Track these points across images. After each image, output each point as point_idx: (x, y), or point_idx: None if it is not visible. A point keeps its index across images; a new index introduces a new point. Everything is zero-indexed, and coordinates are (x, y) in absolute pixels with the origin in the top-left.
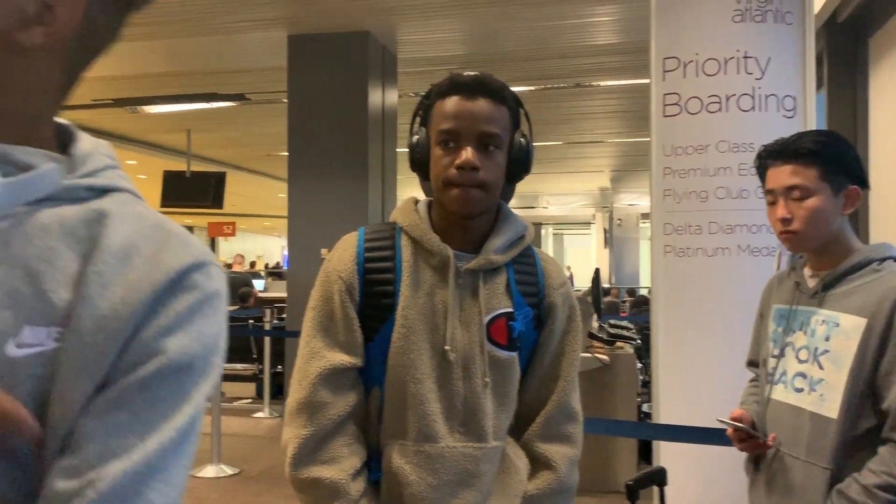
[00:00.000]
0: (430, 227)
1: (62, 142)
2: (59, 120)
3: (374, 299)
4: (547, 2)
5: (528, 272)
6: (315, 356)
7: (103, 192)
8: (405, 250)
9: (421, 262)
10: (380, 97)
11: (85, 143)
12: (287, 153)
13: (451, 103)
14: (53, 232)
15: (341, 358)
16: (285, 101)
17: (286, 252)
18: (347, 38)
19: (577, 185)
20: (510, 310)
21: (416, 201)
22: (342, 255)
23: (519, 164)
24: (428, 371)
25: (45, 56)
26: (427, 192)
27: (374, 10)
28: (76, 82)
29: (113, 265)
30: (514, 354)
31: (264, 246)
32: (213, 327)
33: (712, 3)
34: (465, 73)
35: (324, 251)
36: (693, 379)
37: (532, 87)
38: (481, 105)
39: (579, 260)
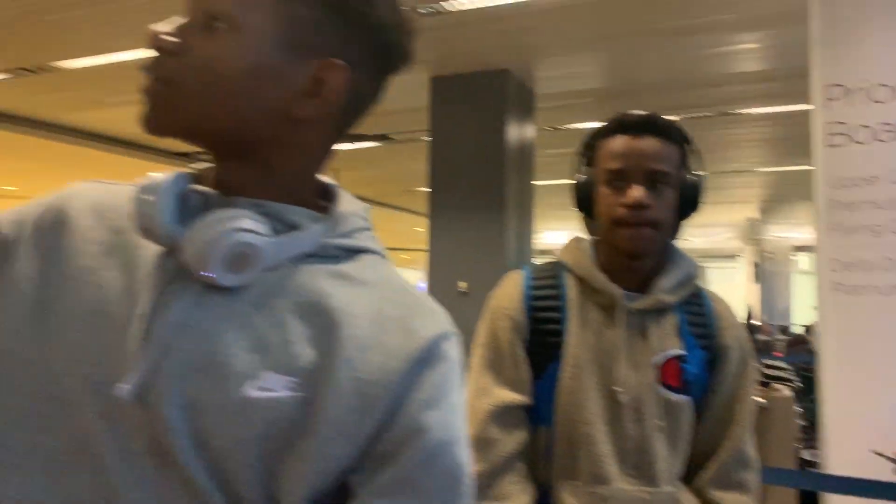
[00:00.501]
0: (597, 267)
1: (322, 197)
2: (322, 178)
3: (541, 337)
4: (689, 31)
5: (698, 313)
6: (484, 393)
7: (355, 252)
8: (571, 289)
9: (588, 302)
10: (517, 132)
11: (344, 204)
12: (427, 189)
13: (619, 142)
14: (308, 288)
15: (510, 395)
16: (425, 139)
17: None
18: (487, 76)
19: (721, 216)
20: (682, 352)
21: (581, 240)
22: (509, 293)
23: (689, 202)
24: (598, 412)
25: (315, 124)
26: (591, 231)
27: (513, 49)
28: (339, 142)
29: (367, 329)
30: (688, 398)
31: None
32: (462, 397)
33: (883, 26)
34: (631, 112)
35: (461, 284)
36: (866, 426)
37: (674, 117)
38: (649, 143)
39: (724, 295)
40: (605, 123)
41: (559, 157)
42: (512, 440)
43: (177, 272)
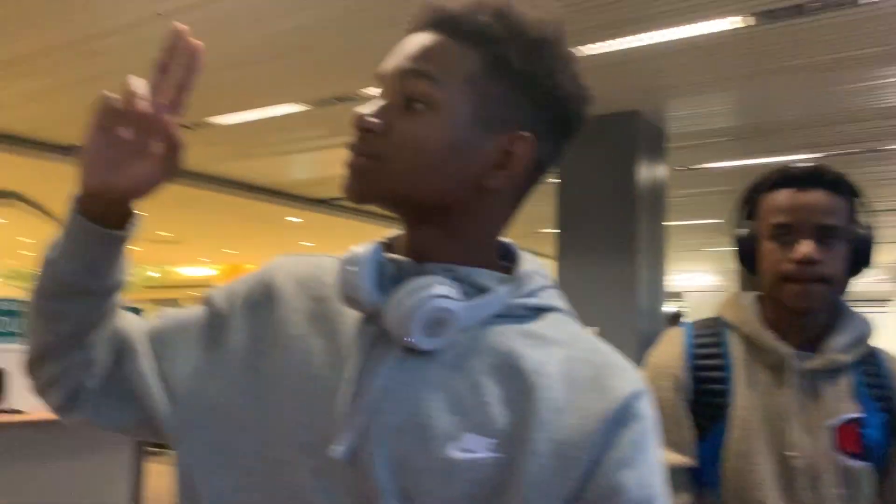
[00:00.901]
0: (763, 324)
1: (503, 257)
2: (502, 239)
3: (704, 397)
4: (831, 66)
5: (874, 373)
6: None
7: (542, 311)
8: (735, 347)
9: (755, 361)
10: (648, 173)
11: (527, 264)
12: (554, 231)
13: (784, 196)
14: (500, 350)
15: (674, 457)
16: (553, 181)
17: None
18: (616, 118)
19: None
20: (860, 415)
21: (742, 295)
22: (671, 351)
23: (861, 257)
24: (770, 477)
25: (501, 193)
26: (753, 286)
27: (643, 91)
28: (520, 206)
29: (561, 390)
30: (869, 465)
31: None
32: (659, 456)
33: None
34: (796, 165)
35: (592, 329)
36: None
37: (815, 155)
38: (817, 196)
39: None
40: (766, 176)
41: (693, 198)
42: (676, 503)
43: (378, 337)
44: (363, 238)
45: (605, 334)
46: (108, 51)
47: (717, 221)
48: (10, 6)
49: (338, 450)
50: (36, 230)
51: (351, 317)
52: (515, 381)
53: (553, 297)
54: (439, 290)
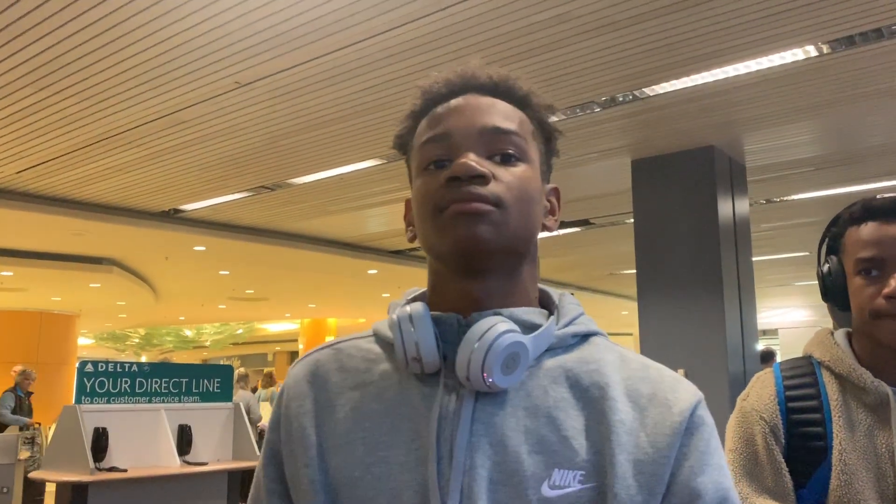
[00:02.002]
0: (857, 362)
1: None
2: None
3: (801, 441)
4: None
5: None
6: (744, 503)
7: (585, 337)
8: (830, 387)
9: (852, 401)
10: (729, 208)
11: (559, 296)
12: (633, 271)
13: (869, 230)
14: (561, 381)
15: None
16: (628, 221)
17: None
18: (692, 154)
19: None
20: None
21: (832, 332)
22: (762, 395)
23: None
24: None
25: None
26: (841, 322)
27: (719, 126)
28: None
29: (630, 412)
30: None
31: None
32: (724, 459)
33: None
34: (879, 197)
35: (680, 371)
36: None
37: None
38: None
39: None
40: (849, 209)
41: (778, 231)
42: None
43: (445, 393)
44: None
45: (692, 375)
46: (192, 120)
47: (805, 254)
48: (102, 87)
49: None
50: (129, 294)
51: (404, 386)
52: (586, 409)
53: (591, 323)
54: (508, 326)
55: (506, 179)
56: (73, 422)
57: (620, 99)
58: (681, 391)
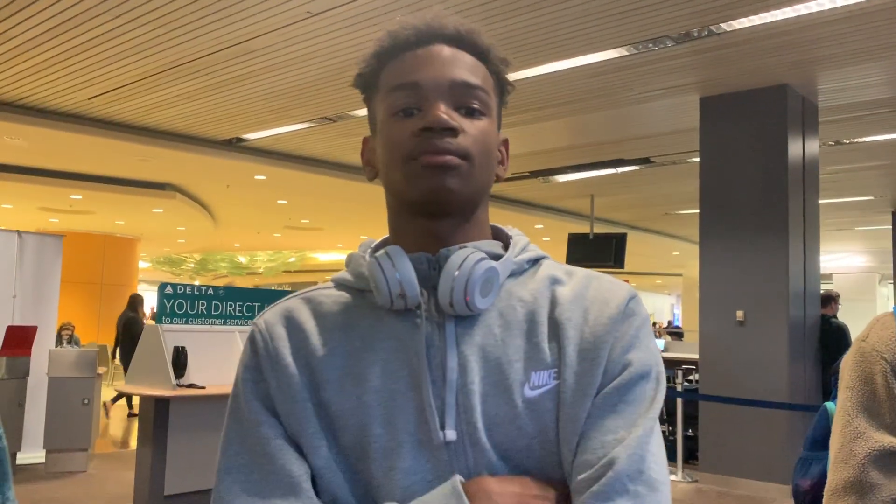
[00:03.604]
0: None
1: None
2: None
3: None
4: None
5: None
6: (860, 437)
7: (535, 261)
8: None
9: None
10: (799, 149)
11: (508, 229)
12: (691, 212)
13: None
14: (525, 297)
15: (890, 440)
16: (690, 160)
17: (677, 310)
18: (764, 93)
19: None
20: None
21: None
22: (882, 335)
23: None
24: None
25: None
26: None
27: (792, 65)
28: None
29: (578, 312)
30: None
31: (654, 304)
32: (653, 342)
33: None
34: None
35: (738, 313)
36: None
37: None
38: None
39: None
40: None
41: (845, 174)
42: (893, 485)
43: (428, 322)
44: None
45: (752, 318)
46: (261, 50)
47: (870, 198)
48: (175, 15)
49: (448, 433)
50: (189, 219)
51: (383, 322)
52: (547, 317)
53: (537, 249)
54: (480, 255)
55: (472, 133)
56: (155, 340)
57: (695, 34)
58: (617, 290)
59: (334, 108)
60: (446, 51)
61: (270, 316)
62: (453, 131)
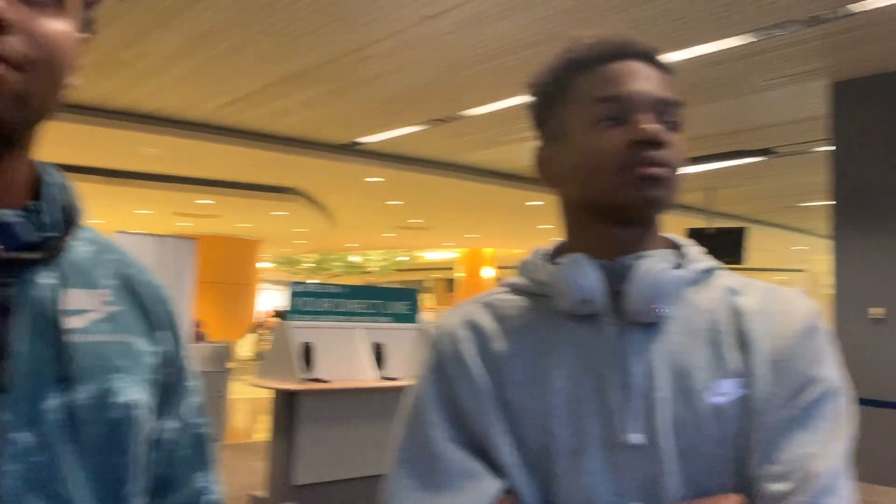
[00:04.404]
0: None
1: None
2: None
3: None
4: None
5: None
6: None
7: (709, 271)
8: None
9: None
10: None
11: (678, 239)
12: (817, 204)
13: None
14: (706, 306)
15: None
16: (816, 150)
17: None
18: None
19: None
20: None
21: None
22: None
23: None
24: None
25: None
26: None
27: None
28: None
29: (763, 324)
30: None
31: None
32: (837, 357)
33: None
34: None
35: (875, 310)
36: None
37: None
38: None
39: None
40: None
41: None
42: None
43: (612, 328)
44: None
45: (894, 315)
46: (378, 55)
47: None
48: (298, 25)
49: (635, 437)
50: (308, 221)
51: (564, 327)
52: (730, 327)
53: (711, 259)
54: (666, 264)
55: (675, 146)
56: (285, 336)
57: (826, 16)
58: (801, 303)
59: (446, 109)
60: (645, 67)
61: (452, 319)
62: (665, 144)
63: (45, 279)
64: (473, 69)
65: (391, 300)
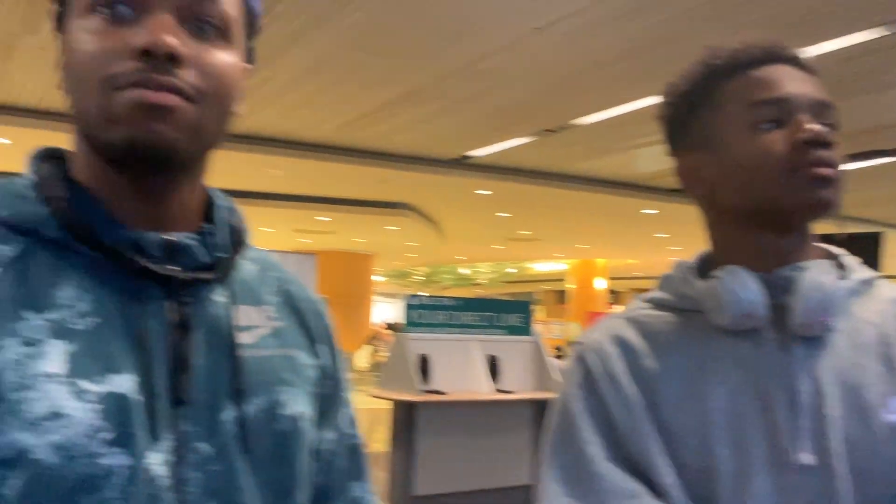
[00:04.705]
0: None
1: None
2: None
3: None
4: None
5: None
6: None
7: (869, 281)
8: None
9: None
10: None
11: (831, 248)
12: None
13: None
14: (872, 319)
15: None
16: None
17: None
18: None
19: None
20: None
21: None
22: None
23: None
24: None
25: None
26: None
27: None
28: None
29: None
30: None
31: None
32: None
33: None
34: None
35: None
36: None
37: None
38: None
39: None
40: None
41: None
42: None
43: (774, 343)
44: None
45: None
46: (488, 70)
47: None
48: (411, 45)
49: (805, 457)
50: (419, 235)
51: (719, 342)
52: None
53: (869, 269)
54: (831, 276)
55: (839, 148)
56: (402, 348)
57: None
58: None
59: (556, 119)
60: (795, 70)
61: (598, 336)
62: (832, 145)
63: (218, 297)
64: (585, 77)
65: (505, 312)
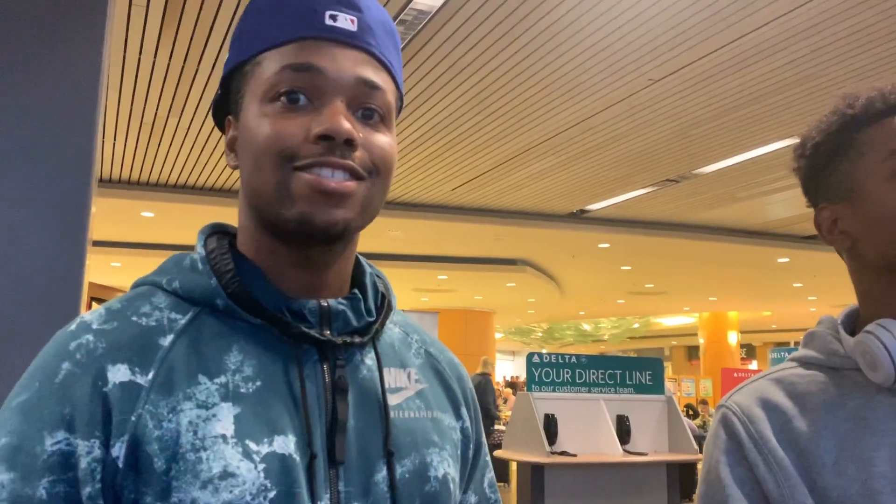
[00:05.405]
0: None
1: None
2: None
3: None
4: None
5: None
6: None
7: None
8: None
9: None
10: None
11: None
12: None
13: None
14: None
15: None
16: None
17: None
18: None
19: None
20: None
21: None
22: None
23: None
24: None
25: None
26: None
27: None
28: None
29: None
30: None
31: None
32: None
33: None
34: None
35: None
36: None
37: None
38: None
39: None
40: None
41: None
42: None
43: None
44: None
45: None
46: (604, 123)
47: None
48: (526, 104)
49: None
50: (538, 291)
51: (875, 402)
52: None
53: None
54: None
55: None
56: (527, 407)
57: None
58: None
59: (677, 168)
60: None
61: (742, 398)
62: None
63: (368, 360)
64: (704, 126)
65: (633, 370)
